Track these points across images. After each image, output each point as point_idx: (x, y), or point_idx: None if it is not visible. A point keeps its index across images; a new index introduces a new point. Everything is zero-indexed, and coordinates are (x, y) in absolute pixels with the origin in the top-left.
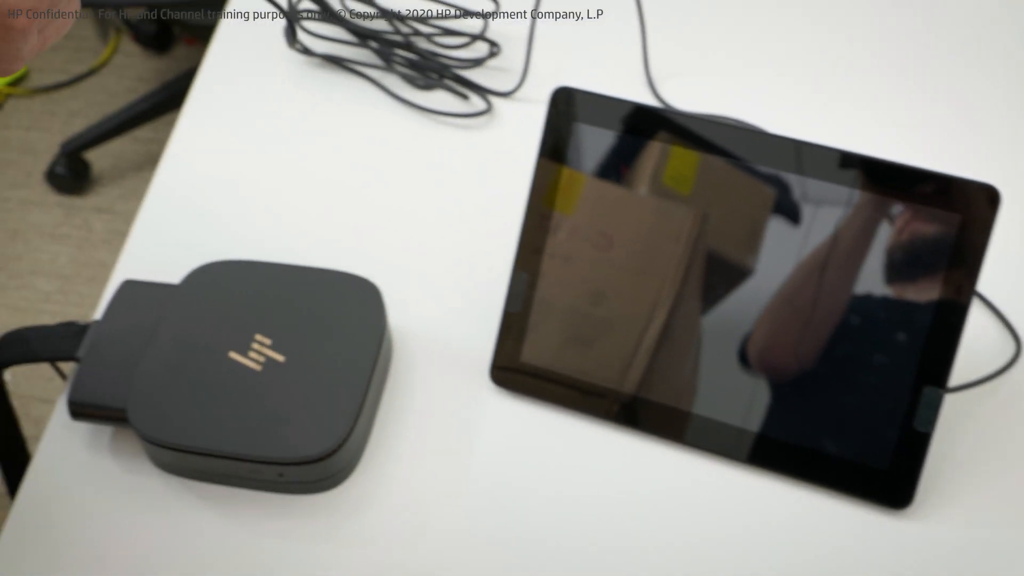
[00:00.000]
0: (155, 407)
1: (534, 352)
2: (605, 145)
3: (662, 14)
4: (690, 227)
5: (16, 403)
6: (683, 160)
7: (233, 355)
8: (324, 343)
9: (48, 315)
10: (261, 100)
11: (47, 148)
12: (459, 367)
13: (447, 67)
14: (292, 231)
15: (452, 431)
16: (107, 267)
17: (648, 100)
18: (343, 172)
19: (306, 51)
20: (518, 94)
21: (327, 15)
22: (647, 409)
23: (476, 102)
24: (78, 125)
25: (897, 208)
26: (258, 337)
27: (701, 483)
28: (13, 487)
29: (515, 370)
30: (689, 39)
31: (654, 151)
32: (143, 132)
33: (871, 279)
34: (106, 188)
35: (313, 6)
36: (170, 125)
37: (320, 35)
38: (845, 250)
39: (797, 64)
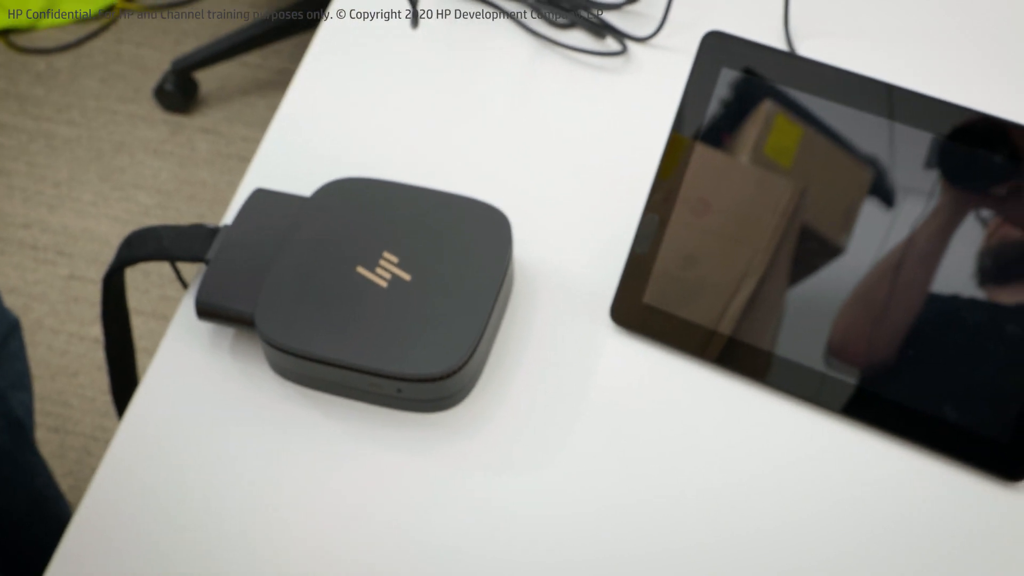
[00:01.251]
0: (281, 313)
1: (655, 294)
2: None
3: None
4: (787, 201)
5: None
6: (785, 132)
7: (360, 270)
8: (450, 265)
9: None
10: (394, 25)
11: (157, 65)
12: (579, 302)
13: (585, 4)
14: (422, 154)
15: (568, 363)
16: (207, 186)
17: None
18: (474, 102)
19: None
20: (654, 40)
21: None
22: (747, 356)
23: (611, 44)
24: (189, 45)
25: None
26: (386, 254)
27: (804, 436)
28: (121, 391)
29: (635, 311)
30: (835, 5)
31: (758, 119)
32: (251, 58)
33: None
34: (212, 109)
35: None
36: (279, 53)
37: None
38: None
39: (959, 34)
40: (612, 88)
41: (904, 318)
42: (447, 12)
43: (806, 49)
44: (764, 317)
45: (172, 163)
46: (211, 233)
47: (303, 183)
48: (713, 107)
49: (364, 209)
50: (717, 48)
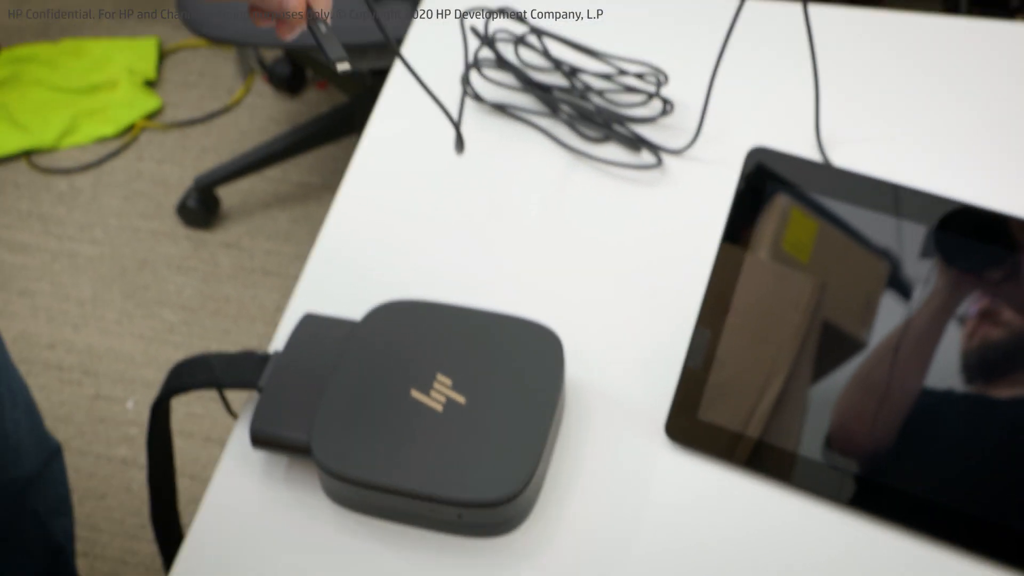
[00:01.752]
0: (337, 440)
1: (711, 409)
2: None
3: (838, 78)
4: (808, 296)
5: (136, 431)
6: (802, 227)
7: (415, 393)
8: (504, 387)
9: (172, 345)
10: (436, 140)
11: (179, 181)
12: (632, 419)
13: (619, 119)
14: (467, 272)
15: (624, 481)
16: (231, 301)
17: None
18: (516, 218)
19: (477, 97)
20: (688, 152)
21: (502, 64)
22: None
23: (646, 156)
24: (209, 161)
25: None
26: (439, 376)
27: (866, 547)
28: (162, 518)
29: (690, 426)
30: (865, 104)
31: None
32: (272, 172)
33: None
34: (234, 224)
35: (490, 54)
36: (299, 166)
37: (494, 80)
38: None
39: (985, 136)
40: (649, 200)
41: (904, 404)
42: (484, 128)
43: (839, 155)
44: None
45: (196, 279)
46: (262, 360)
47: (350, 306)
48: (761, 219)
49: (415, 331)
50: (762, 163)
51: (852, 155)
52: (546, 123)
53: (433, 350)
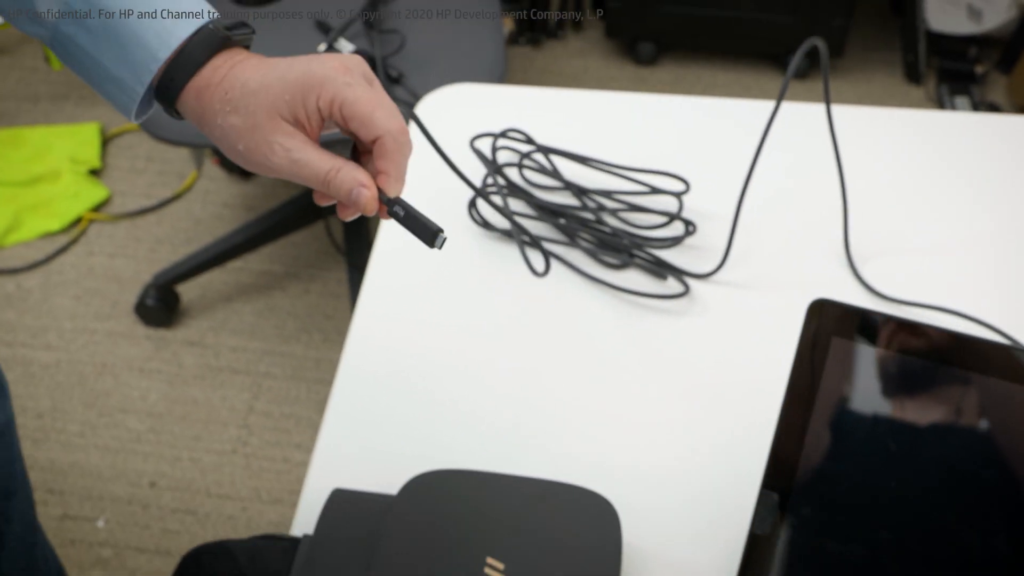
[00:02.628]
0: None
1: None
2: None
3: (864, 192)
4: None
5: (109, 552)
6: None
7: None
8: (559, 566)
9: (140, 456)
10: (442, 281)
11: (134, 276)
12: None
13: (640, 244)
14: (498, 431)
15: None
16: (199, 404)
17: (849, 281)
18: (536, 361)
19: (486, 224)
20: (717, 276)
21: (513, 190)
22: None
23: (672, 284)
24: (164, 252)
25: None
26: (490, 561)
27: None
28: None
29: None
30: (892, 220)
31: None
32: (233, 262)
33: None
34: (195, 320)
35: (500, 180)
36: (259, 254)
37: (504, 211)
38: None
39: (999, 250)
40: (682, 331)
41: None
42: (497, 261)
43: (868, 271)
44: None
45: (160, 381)
46: (291, 546)
47: (377, 475)
48: (826, 374)
49: (458, 507)
50: (822, 315)
51: (877, 269)
52: (562, 250)
53: (480, 527)
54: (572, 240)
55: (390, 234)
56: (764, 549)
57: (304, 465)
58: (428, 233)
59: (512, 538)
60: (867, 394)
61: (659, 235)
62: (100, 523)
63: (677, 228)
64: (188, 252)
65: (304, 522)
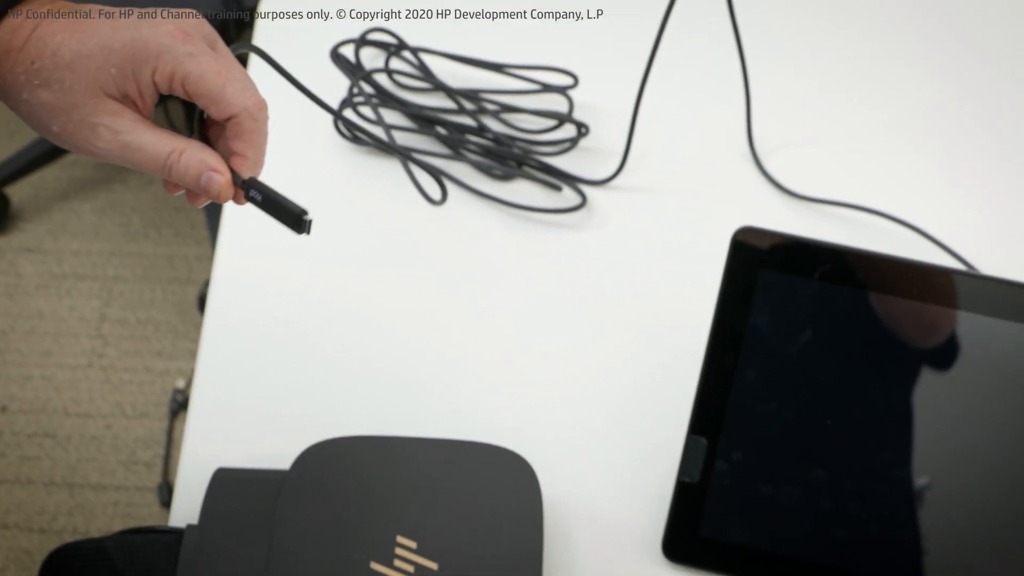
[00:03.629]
0: None
1: (716, 524)
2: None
3: (766, 82)
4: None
5: None
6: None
7: (376, 567)
8: (477, 538)
9: None
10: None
11: None
12: (624, 541)
13: (528, 152)
14: (392, 389)
15: None
16: (45, 316)
17: (753, 175)
18: (430, 299)
19: (356, 139)
20: (615, 182)
21: (384, 99)
22: None
23: (568, 194)
24: None
25: None
26: (400, 540)
27: None
28: None
29: (691, 545)
30: (795, 110)
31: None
32: (66, 156)
33: None
34: (30, 224)
35: (368, 88)
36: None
37: (376, 121)
38: None
39: (909, 138)
40: (579, 247)
41: None
42: (371, 178)
43: (773, 164)
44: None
45: None
46: (174, 539)
47: (264, 449)
48: (756, 310)
49: (360, 479)
50: (749, 246)
51: (784, 164)
52: (443, 163)
53: (387, 503)
54: (456, 152)
55: None
56: (694, 498)
57: (168, 375)
58: (291, 217)
59: (423, 511)
60: (798, 328)
61: (549, 138)
62: None
63: (569, 131)
64: (14, 148)
65: (185, 511)
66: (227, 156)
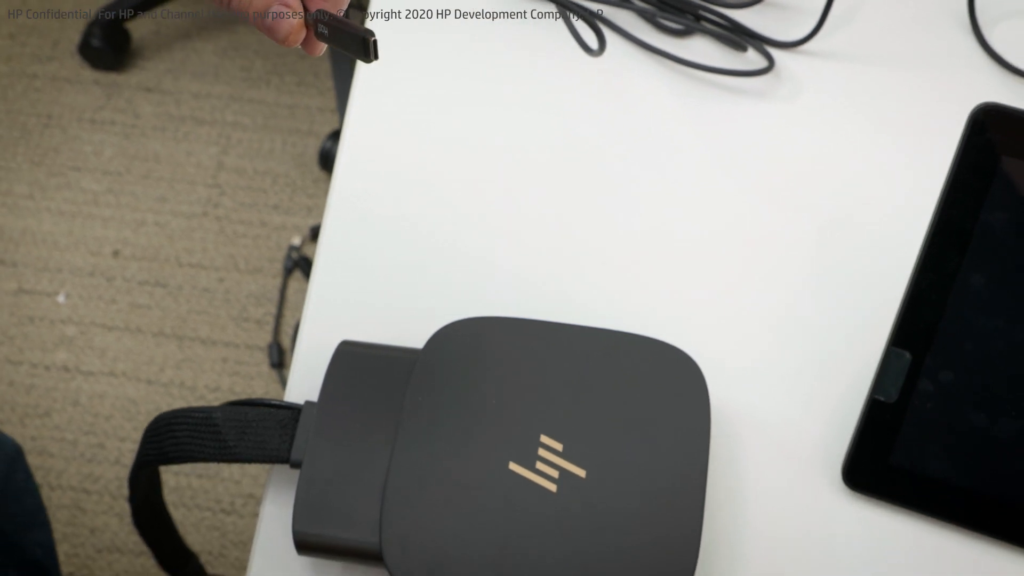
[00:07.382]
0: (419, 544)
1: (906, 453)
2: None
3: None
4: None
5: (73, 330)
6: None
7: (515, 468)
8: (631, 447)
9: (100, 221)
10: (444, 70)
11: (75, 5)
12: (800, 461)
13: (707, 2)
14: (539, 277)
15: (794, 541)
16: (161, 160)
17: (971, 48)
18: (583, 174)
19: None
20: (809, 46)
21: None
22: None
23: (752, 56)
24: None
25: None
26: (544, 440)
27: None
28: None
29: (878, 473)
30: None
31: None
32: None
33: None
34: (150, 62)
35: None
36: None
37: None
38: None
39: None
40: (765, 120)
41: None
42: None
43: (996, 35)
44: None
45: (115, 135)
46: (288, 417)
47: (391, 331)
48: (991, 204)
49: (502, 368)
50: (991, 127)
51: (1010, 36)
52: (610, 12)
53: (532, 397)
54: (625, 2)
55: None
56: (889, 420)
57: (284, 230)
58: (357, 42)
59: (571, 408)
60: None
61: None
62: (61, 298)
63: None
64: None
65: (302, 388)
66: None
